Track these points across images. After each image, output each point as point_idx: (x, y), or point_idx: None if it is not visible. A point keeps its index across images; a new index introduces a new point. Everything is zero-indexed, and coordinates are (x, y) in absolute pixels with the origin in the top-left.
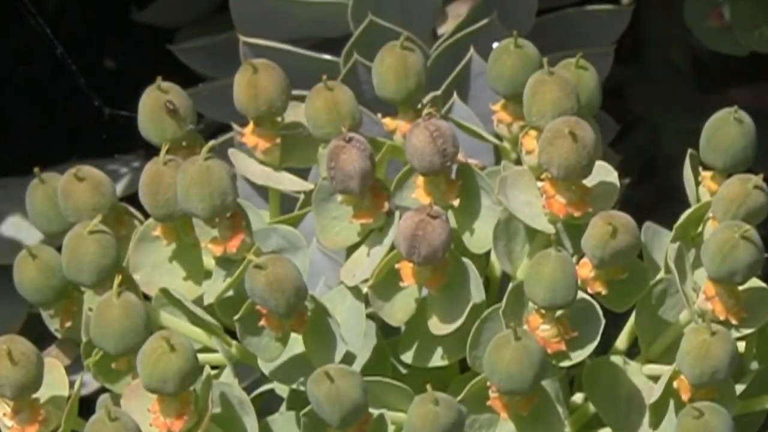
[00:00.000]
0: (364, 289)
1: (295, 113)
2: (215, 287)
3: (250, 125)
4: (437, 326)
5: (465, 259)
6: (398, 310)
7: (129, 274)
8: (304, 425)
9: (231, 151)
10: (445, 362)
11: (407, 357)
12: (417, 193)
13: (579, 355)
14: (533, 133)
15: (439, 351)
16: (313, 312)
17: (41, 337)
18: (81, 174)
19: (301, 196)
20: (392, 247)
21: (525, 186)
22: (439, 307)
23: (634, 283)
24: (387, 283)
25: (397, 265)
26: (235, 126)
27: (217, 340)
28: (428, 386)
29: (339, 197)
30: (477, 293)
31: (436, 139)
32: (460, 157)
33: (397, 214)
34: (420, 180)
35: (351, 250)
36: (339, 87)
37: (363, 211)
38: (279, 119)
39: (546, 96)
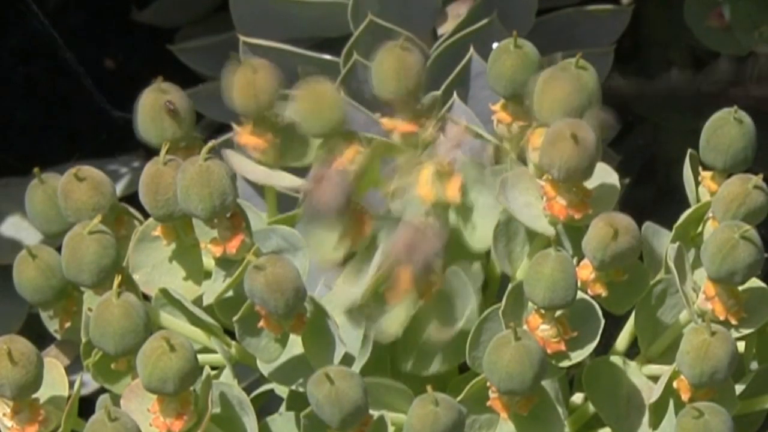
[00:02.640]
0: None
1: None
2: (215, 287)
3: (246, 125)
4: (433, 335)
5: (455, 268)
6: (391, 325)
7: (129, 274)
8: (304, 426)
9: (226, 152)
10: (444, 368)
11: (406, 366)
12: (419, 188)
13: (579, 355)
14: (541, 131)
15: (438, 358)
16: (312, 313)
17: (41, 337)
18: (81, 174)
19: (301, 196)
20: (380, 266)
21: (525, 187)
22: (433, 316)
23: (634, 286)
24: (377, 300)
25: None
26: (236, 126)
27: (216, 340)
28: (428, 387)
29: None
30: (470, 302)
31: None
32: (459, 157)
33: (382, 232)
34: (423, 175)
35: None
36: (323, 83)
37: (346, 237)
38: (276, 118)
39: (556, 93)
